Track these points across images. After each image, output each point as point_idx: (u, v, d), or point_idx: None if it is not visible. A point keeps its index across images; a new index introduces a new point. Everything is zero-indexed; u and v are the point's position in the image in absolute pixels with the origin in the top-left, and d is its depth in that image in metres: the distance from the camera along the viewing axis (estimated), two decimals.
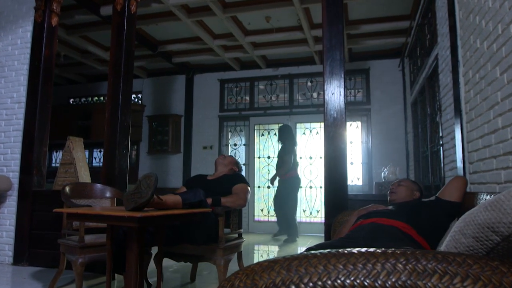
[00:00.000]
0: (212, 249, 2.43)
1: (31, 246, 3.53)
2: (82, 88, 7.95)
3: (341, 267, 0.65)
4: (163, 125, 7.17)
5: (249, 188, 2.76)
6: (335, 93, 2.87)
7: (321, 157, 6.47)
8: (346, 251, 0.67)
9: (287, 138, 5.67)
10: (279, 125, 6.27)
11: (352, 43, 5.72)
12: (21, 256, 3.51)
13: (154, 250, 2.56)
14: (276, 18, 5.16)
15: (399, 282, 0.61)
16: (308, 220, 6.35)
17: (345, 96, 2.87)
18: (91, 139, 6.78)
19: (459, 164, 2.67)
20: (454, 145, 2.93)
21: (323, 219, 6.29)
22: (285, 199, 5.48)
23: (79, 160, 3.70)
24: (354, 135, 6.41)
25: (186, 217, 1.94)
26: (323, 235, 5.97)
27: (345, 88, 2.89)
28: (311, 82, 6.72)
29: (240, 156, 6.95)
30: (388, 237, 1.76)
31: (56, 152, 7.76)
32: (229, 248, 2.51)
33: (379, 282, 0.62)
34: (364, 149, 6.29)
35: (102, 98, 7.77)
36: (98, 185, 3.03)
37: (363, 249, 0.66)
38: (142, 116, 7.31)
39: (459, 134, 2.67)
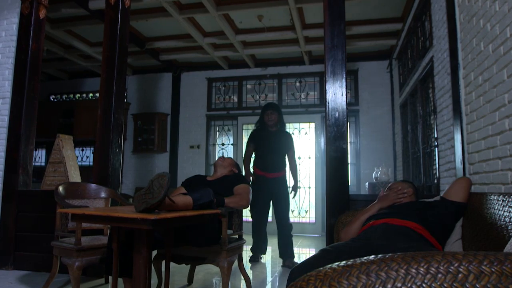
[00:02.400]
0: (216, 251, 2.38)
1: (16, 249, 3.36)
2: (63, 85, 7.69)
3: (423, 270, 0.62)
4: (148, 124, 7.02)
5: (250, 189, 2.72)
6: (336, 93, 2.87)
7: (309, 157, 6.49)
8: (425, 254, 0.64)
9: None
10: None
11: None
12: (5, 259, 3.33)
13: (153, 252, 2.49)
14: (268, 17, 5.13)
15: (489, 286, 0.59)
16: (296, 220, 6.35)
17: (347, 96, 2.87)
18: (73, 138, 6.54)
19: (459, 165, 2.71)
20: (452, 146, 2.98)
21: (311, 219, 6.38)
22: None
23: (69, 158, 3.54)
24: None
25: (197, 219, 1.88)
26: (313, 235, 6.04)
27: (347, 88, 2.89)
28: (300, 82, 6.73)
29: (228, 156, 6.88)
30: (403, 238, 1.76)
31: (36, 150, 7.47)
32: (232, 250, 2.46)
33: (468, 285, 0.59)
34: (352, 150, 6.35)
35: (85, 95, 7.54)
36: (92, 185, 2.91)
37: (442, 252, 0.63)
38: (126, 114, 7.13)
39: (458, 135, 2.71)
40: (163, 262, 2.76)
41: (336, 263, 0.66)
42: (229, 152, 6.94)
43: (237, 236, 2.69)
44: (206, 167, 6.88)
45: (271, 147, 3.94)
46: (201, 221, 1.90)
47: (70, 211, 1.77)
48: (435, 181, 3.61)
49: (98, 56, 6.24)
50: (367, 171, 6.06)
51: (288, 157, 4.07)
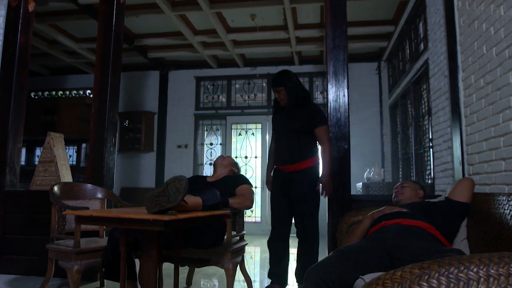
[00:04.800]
0: (220, 252, 2.33)
1: (3, 252, 3.21)
2: (45, 81, 7.43)
3: (504, 271, 0.61)
4: (135, 122, 6.87)
5: (253, 189, 2.68)
6: (339, 93, 2.87)
7: None
8: (501, 255, 0.63)
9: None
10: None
11: None
12: None
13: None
14: (261, 16, 5.10)
15: None
16: None
17: (349, 96, 2.88)
18: None
19: (457, 165, 2.76)
20: (449, 147, 3.03)
21: None
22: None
23: (60, 158, 3.41)
24: None
25: (209, 220, 1.83)
26: None
27: (348, 88, 2.90)
28: None
29: (217, 156, 6.81)
30: (418, 238, 1.77)
31: None
32: (236, 251, 2.43)
33: None
34: None
35: (68, 92, 7.30)
36: (88, 185, 2.81)
37: None
38: None
39: (457, 136, 2.76)
40: (164, 264, 2.70)
41: (411, 265, 0.65)
42: (217, 152, 6.87)
43: (238, 238, 2.66)
44: (194, 167, 6.79)
45: (284, 129, 2.78)
46: (212, 222, 1.86)
47: (76, 213, 1.70)
48: (429, 182, 3.67)
49: (83, 52, 6.07)
50: (355, 171, 6.07)
51: (317, 138, 2.69)
